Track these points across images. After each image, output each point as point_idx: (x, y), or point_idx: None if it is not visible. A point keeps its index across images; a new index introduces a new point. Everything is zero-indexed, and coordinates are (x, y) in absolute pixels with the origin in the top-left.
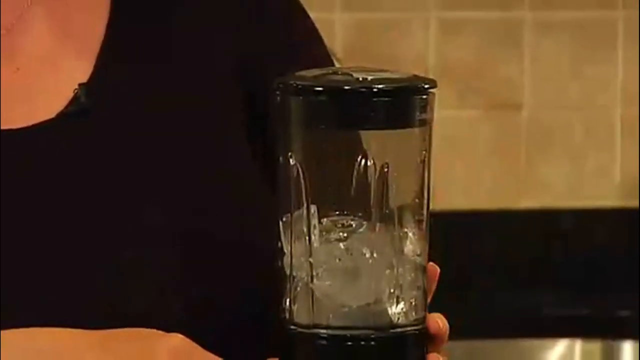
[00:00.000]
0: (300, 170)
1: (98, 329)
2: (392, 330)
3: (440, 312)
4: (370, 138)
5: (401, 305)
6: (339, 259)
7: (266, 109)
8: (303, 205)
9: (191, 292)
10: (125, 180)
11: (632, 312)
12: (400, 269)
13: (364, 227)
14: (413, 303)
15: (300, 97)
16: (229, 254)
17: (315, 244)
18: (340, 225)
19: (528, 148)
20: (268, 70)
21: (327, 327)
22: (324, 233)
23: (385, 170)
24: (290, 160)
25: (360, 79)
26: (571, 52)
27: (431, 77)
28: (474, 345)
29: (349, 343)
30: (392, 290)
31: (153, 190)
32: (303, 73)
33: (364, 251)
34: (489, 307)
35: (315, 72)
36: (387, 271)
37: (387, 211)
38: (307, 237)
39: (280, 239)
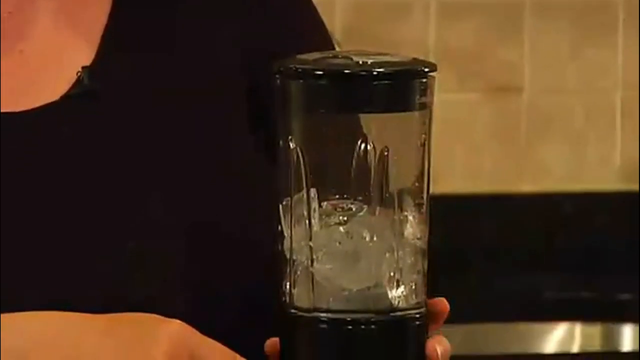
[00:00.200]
0: (300, 153)
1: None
2: (392, 314)
3: (440, 295)
4: (370, 121)
5: (401, 288)
6: (339, 243)
7: (270, 100)
8: (303, 188)
9: (194, 282)
10: (129, 166)
11: (633, 295)
12: (401, 253)
13: (364, 210)
14: (413, 287)
15: (300, 81)
16: (233, 245)
17: (315, 228)
18: (340, 209)
19: (528, 131)
20: (272, 59)
21: (327, 311)
22: (324, 217)
23: (385, 153)
24: (290, 144)
25: (360, 62)
26: (571, 35)
27: (431, 60)
28: (474, 329)
29: (349, 327)
30: (392, 274)
31: (157, 177)
32: (303, 57)
33: (364, 235)
34: (488, 291)
35: (315, 55)
36: (387, 255)
37: (387, 195)
38: (307, 221)
39: (280, 223)
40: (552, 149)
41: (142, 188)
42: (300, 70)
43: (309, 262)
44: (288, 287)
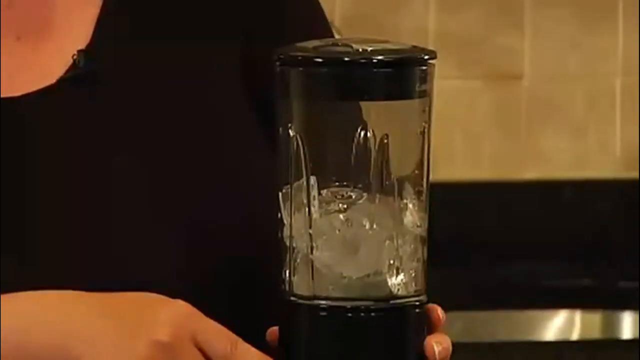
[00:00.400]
0: (299, 141)
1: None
2: (391, 302)
3: (441, 283)
4: (370, 109)
5: (401, 276)
6: (339, 230)
7: (270, 87)
8: (303, 176)
9: (195, 269)
10: (125, 148)
11: (633, 283)
12: (400, 241)
13: (364, 198)
14: (413, 274)
15: (300, 69)
16: (235, 232)
17: (315, 215)
18: (340, 197)
19: (529, 118)
20: (272, 47)
21: (326, 298)
22: (323, 204)
23: (385, 141)
24: (290, 132)
25: (360, 50)
26: (572, 22)
27: (431, 48)
28: (474, 316)
29: (349, 314)
30: (391, 262)
31: (153, 159)
32: (303, 44)
33: (364, 222)
34: (489, 279)
35: (315, 43)
36: (387, 242)
37: (387, 182)
38: (306, 209)
39: (280, 211)
40: (553, 136)
41: (139, 170)
42: (300, 57)
43: (309, 249)
44: (288, 274)
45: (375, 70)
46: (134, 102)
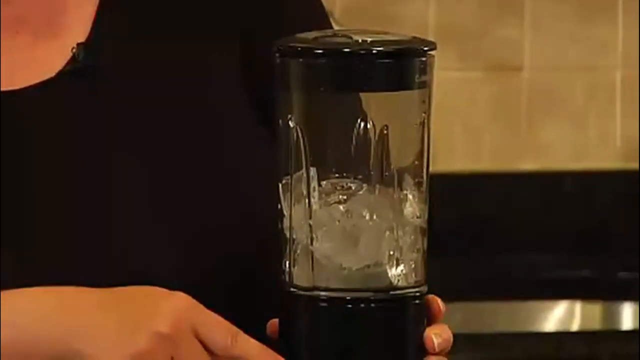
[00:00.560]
0: (299, 132)
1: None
2: (391, 292)
3: (441, 274)
4: (370, 100)
5: (401, 267)
6: (339, 221)
7: (270, 79)
8: (303, 167)
9: (195, 267)
10: (124, 141)
11: (633, 274)
12: (400, 232)
13: (364, 189)
14: (413, 265)
15: (300, 60)
16: (234, 230)
17: (315, 207)
18: (340, 188)
19: (529, 110)
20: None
21: (326, 289)
22: (323, 195)
23: (385, 132)
24: (290, 123)
25: (360, 41)
26: (572, 13)
27: (431, 39)
28: (473, 307)
29: (349, 305)
30: (391, 253)
31: (152, 152)
32: (303, 35)
33: (364, 213)
34: (489, 269)
35: (315, 34)
36: (387, 233)
37: (386, 173)
38: (306, 200)
39: (280, 202)
40: (553, 127)
41: (138, 165)
42: (300, 49)
43: (309, 240)
44: (288, 265)
45: (375, 61)
46: (134, 97)
